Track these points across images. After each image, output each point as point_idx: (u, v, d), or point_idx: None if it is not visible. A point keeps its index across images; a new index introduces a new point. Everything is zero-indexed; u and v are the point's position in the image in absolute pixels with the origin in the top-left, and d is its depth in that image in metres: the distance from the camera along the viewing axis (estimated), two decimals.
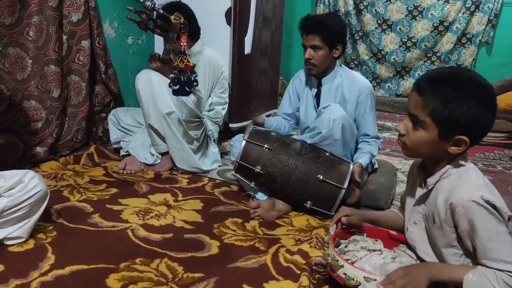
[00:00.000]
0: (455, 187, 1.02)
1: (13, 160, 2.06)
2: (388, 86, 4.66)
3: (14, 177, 1.41)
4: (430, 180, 1.10)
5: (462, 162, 1.07)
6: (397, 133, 1.13)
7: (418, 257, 1.17)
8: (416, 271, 1.04)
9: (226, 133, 2.74)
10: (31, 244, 1.44)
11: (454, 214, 1.01)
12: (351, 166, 1.80)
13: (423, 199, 1.13)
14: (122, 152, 2.40)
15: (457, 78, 1.02)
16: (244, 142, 1.84)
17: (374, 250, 1.26)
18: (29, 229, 1.45)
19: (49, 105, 2.25)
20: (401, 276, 1.01)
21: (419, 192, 1.15)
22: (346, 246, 1.28)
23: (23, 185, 1.41)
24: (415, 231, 1.16)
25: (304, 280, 1.27)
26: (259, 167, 1.79)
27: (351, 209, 1.36)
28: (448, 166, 1.07)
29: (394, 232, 1.32)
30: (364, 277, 1.07)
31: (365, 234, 1.34)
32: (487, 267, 0.97)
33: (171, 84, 1.95)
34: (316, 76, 2.01)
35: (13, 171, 1.45)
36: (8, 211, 1.37)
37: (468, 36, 4.26)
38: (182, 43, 1.92)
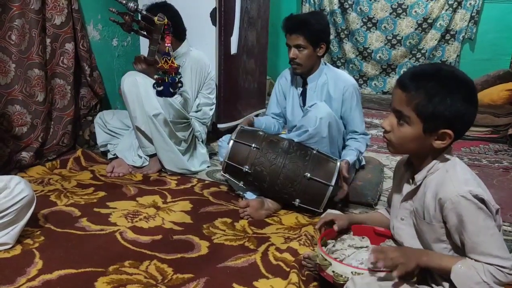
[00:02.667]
0: (443, 182, 1.03)
1: None
2: (375, 84, 4.71)
3: None
4: (418, 176, 1.11)
5: (448, 157, 1.08)
6: (383, 130, 1.13)
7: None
8: (409, 251, 1.06)
9: (214, 134, 2.74)
10: (18, 250, 1.43)
11: (443, 209, 1.02)
12: (338, 164, 1.81)
13: (410, 195, 1.14)
14: (109, 155, 2.39)
15: (440, 73, 1.03)
16: (231, 142, 1.84)
17: (361, 247, 1.27)
18: (16, 235, 1.43)
19: (33, 109, 2.22)
20: (394, 250, 1.03)
21: (407, 188, 1.16)
22: (333, 246, 1.29)
23: (9, 190, 1.39)
24: (402, 227, 1.17)
25: (294, 277, 1.28)
26: (247, 167, 1.80)
27: (336, 215, 1.36)
28: (434, 161, 1.08)
29: (379, 228, 1.33)
30: (352, 272, 1.08)
31: (351, 233, 1.35)
32: (475, 261, 0.98)
33: (155, 85, 1.95)
34: (302, 75, 2.02)
35: None
36: None
37: (451, 32, 4.33)
38: (166, 44, 1.92)
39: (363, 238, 1.32)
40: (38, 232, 1.55)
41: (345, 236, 1.31)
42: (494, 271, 0.96)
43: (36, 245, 1.47)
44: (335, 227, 1.30)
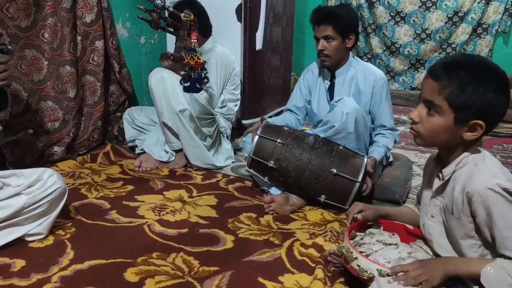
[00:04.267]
0: (472, 176, 1.01)
1: (31, 160, 2.10)
2: (403, 79, 4.60)
3: (33, 175, 1.45)
4: (446, 171, 1.08)
5: (477, 150, 1.05)
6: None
7: (435, 253, 1.16)
8: (432, 264, 1.03)
9: (238, 130, 2.75)
10: (51, 240, 1.48)
11: (471, 203, 0.99)
12: (365, 160, 1.78)
13: (440, 191, 1.11)
14: (137, 150, 2.44)
15: (473, 63, 1.01)
16: (257, 137, 1.84)
17: (390, 244, 1.24)
18: (49, 225, 1.48)
19: (65, 105, 2.29)
20: (415, 267, 1.01)
21: (436, 184, 1.13)
22: (362, 239, 1.27)
23: (42, 182, 1.44)
24: (432, 225, 1.14)
25: (319, 272, 1.27)
26: (272, 162, 1.79)
27: (365, 205, 1.35)
28: (463, 155, 1.05)
29: (411, 227, 1.30)
30: (377, 270, 1.06)
31: (381, 228, 1.33)
32: (506, 257, 0.96)
33: (182, 81, 1.97)
34: (330, 68, 1.99)
35: (32, 169, 1.49)
36: (28, 208, 1.40)
37: (484, 26, 4.17)
38: (192, 40, 1.94)
39: (393, 235, 1.28)
40: (70, 224, 1.60)
41: (374, 231, 1.29)
42: None
43: (68, 236, 1.52)
44: (359, 216, 1.29)
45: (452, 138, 1.04)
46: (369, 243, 1.25)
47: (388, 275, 1.02)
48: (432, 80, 1.03)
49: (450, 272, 1.00)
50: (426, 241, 1.20)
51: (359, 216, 1.30)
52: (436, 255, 1.14)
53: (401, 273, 1.01)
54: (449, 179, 1.08)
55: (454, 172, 1.06)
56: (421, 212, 1.22)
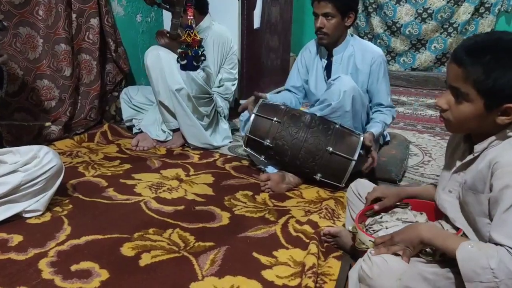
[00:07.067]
0: (502, 152, 0.96)
1: (28, 139, 2.11)
2: (403, 60, 4.55)
3: (29, 152, 1.45)
4: (478, 147, 1.02)
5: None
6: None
7: (453, 227, 1.10)
8: (406, 234, 1.00)
9: (236, 110, 2.73)
10: (48, 216, 1.49)
11: (493, 176, 0.94)
12: (361, 138, 1.78)
13: (465, 166, 1.06)
14: (134, 130, 2.44)
15: (498, 44, 0.94)
16: (253, 115, 1.84)
17: (410, 222, 1.21)
18: (46, 202, 1.50)
19: (61, 84, 2.28)
20: (395, 237, 0.99)
21: (462, 159, 1.07)
22: (381, 217, 1.23)
23: (38, 160, 1.45)
24: (449, 199, 1.10)
25: (313, 247, 1.29)
26: (268, 140, 1.79)
27: (384, 190, 1.28)
28: (498, 135, 0.99)
29: None
30: (370, 241, 1.08)
31: (409, 207, 1.27)
32: (493, 241, 0.90)
33: (179, 59, 1.95)
34: (327, 46, 1.97)
35: (28, 147, 1.49)
36: (25, 185, 1.41)
37: (486, 5, 4.10)
38: (188, 17, 1.91)
39: (421, 214, 1.24)
40: (67, 201, 1.62)
41: (398, 210, 1.26)
42: (509, 261, 0.84)
43: (65, 212, 1.53)
44: (376, 207, 1.24)
45: (485, 123, 0.98)
46: (386, 221, 1.21)
47: None
48: (456, 66, 0.96)
49: (427, 241, 0.96)
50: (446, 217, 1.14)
51: (375, 207, 1.24)
52: (456, 228, 1.08)
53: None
54: (478, 155, 1.02)
55: (485, 149, 1.01)
56: (438, 185, 1.17)
